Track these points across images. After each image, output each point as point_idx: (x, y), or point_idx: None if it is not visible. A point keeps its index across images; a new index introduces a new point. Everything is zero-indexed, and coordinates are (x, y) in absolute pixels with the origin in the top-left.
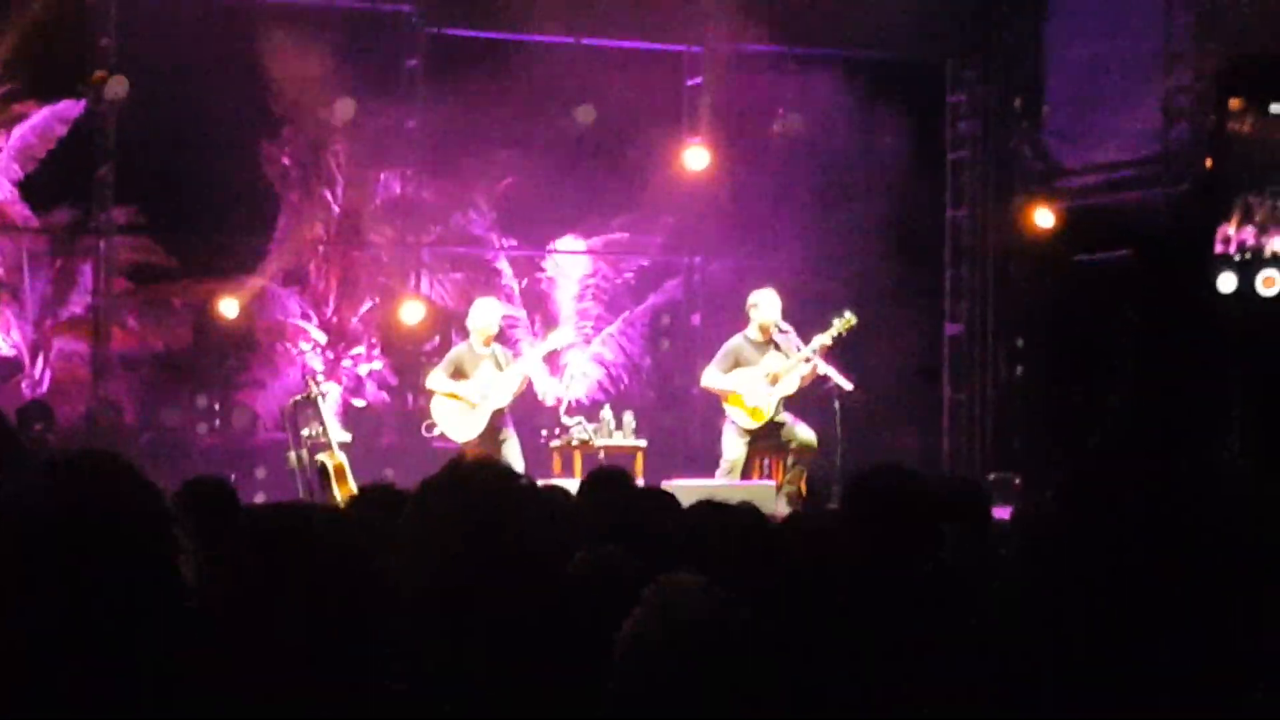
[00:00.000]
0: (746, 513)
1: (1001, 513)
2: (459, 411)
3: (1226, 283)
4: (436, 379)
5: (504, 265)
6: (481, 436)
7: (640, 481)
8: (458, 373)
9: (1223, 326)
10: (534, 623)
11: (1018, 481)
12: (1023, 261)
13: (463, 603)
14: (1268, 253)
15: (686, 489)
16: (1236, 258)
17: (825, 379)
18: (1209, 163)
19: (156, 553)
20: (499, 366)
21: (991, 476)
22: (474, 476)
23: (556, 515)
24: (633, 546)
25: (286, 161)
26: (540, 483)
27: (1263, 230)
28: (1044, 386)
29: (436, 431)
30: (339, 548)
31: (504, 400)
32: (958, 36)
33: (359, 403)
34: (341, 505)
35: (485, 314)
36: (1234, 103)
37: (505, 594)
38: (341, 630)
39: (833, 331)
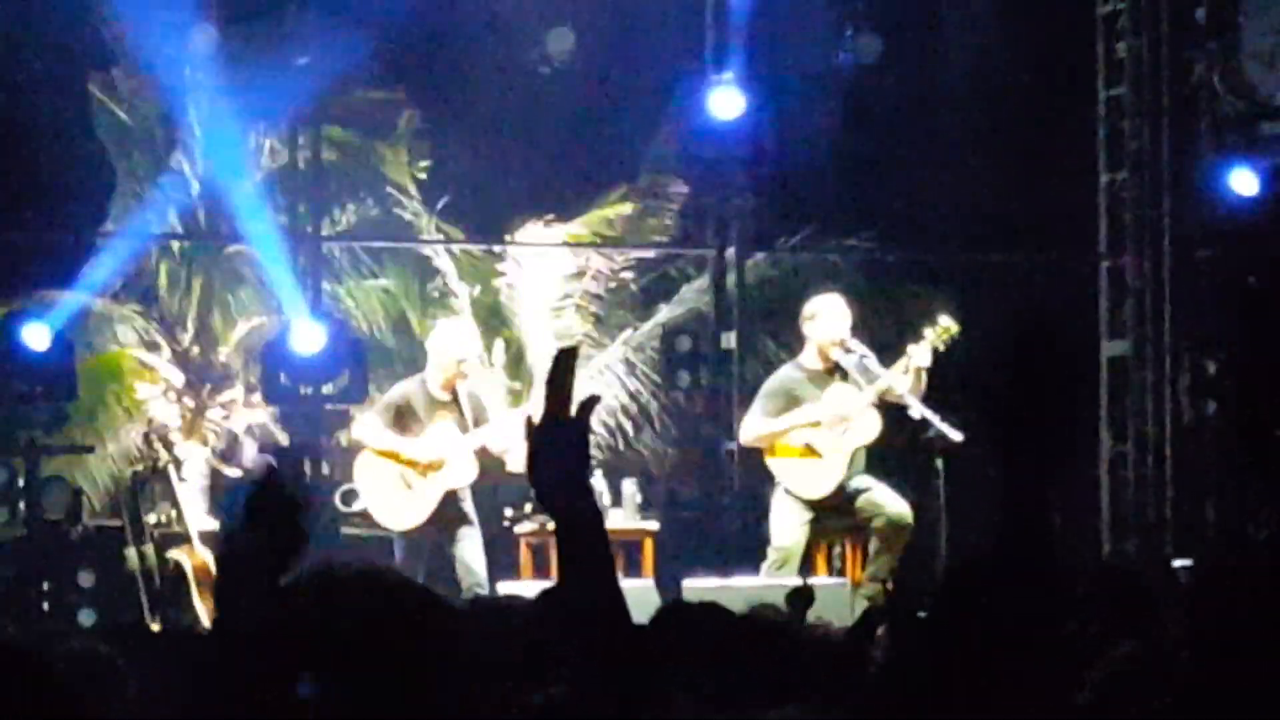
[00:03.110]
0: (765, 623)
1: None
2: (400, 481)
3: None
4: (371, 428)
5: (445, 265)
6: (428, 523)
7: (649, 581)
8: (401, 423)
9: None
10: None
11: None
12: (1215, 248)
13: None
14: None
15: (716, 591)
16: None
17: (922, 425)
18: None
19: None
20: (464, 424)
21: (1176, 564)
22: (349, 593)
23: (487, 651)
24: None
25: (124, 118)
26: (503, 589)
27: None
28: (1249, 431)
29: (357, 505)
30: None
31: (470, 474)
32: None
33: (232, 473)
34: (208, 622)
35: (453, 342)
36: None
37: None
38: None
39: (927, 347)
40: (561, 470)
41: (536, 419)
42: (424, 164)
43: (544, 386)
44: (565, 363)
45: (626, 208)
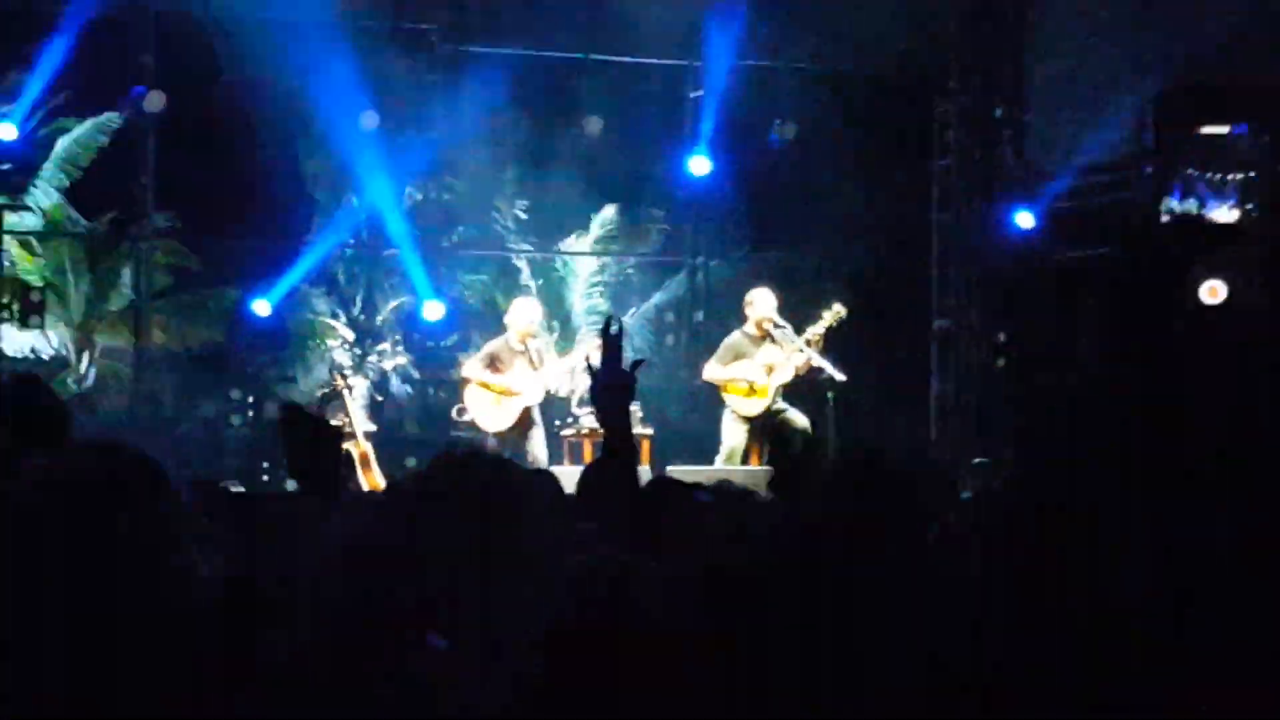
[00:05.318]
0: (726, 491)
1: None
2: (493, 402)
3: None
4: (474, 368)
5: (522, 265)
6: (510, 428)
7: (646, 468)
8: (493, 365)
9: (1188, 328)
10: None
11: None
12: (1006, 260)
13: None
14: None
15: (688, 474)
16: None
17: (819, 370)
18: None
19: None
20: (533, 365)
21: (975, 462)
22: (469, 466)
23: (554, 507)
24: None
25: (319, 166)
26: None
27: (1201, 203)
28: (1023, 377)
29: (466, 418)
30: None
31: (537, 397)
32: (944, 49)
33: (383, 395)
34: (366, 490)
35: (524, 313)
36: None
37: (501, 585)
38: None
39: (824, 323)
40: (614, 401)
41: (596, 363)
42: (520, 201)
43: (600, 343)
44: (613, 327)
45: (615, 220)
